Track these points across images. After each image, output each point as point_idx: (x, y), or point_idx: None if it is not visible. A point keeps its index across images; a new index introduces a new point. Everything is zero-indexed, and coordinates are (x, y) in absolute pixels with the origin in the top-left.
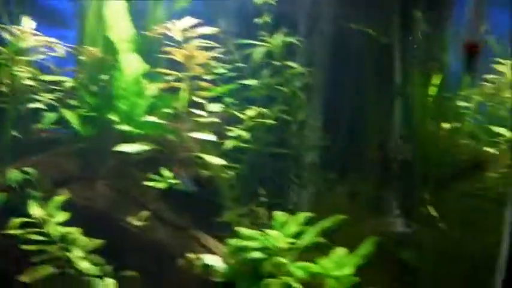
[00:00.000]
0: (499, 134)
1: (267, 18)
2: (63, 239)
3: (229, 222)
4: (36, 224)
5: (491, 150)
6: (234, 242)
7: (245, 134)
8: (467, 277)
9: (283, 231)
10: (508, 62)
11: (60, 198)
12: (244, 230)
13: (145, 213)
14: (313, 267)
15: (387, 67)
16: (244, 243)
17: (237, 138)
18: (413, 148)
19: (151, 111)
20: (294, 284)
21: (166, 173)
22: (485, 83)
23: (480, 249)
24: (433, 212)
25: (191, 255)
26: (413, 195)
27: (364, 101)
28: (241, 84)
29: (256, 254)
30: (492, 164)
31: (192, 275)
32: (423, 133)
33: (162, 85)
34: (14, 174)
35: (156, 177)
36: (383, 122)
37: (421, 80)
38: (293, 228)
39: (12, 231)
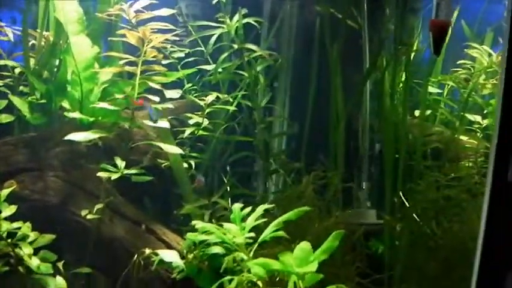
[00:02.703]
0: (474, 122)
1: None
2: (12, 234)
3: (189, 215)
4: None
5: (465, 138)
6: (192, 236)
7: (205, 122)
8: (442, 269)
9: (243, 225)
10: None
11: (6, 191)
12: (201, 224)
13: (99, 207)
14: (273, 264)
15: (355, 51)
16: (203, 237)
17: (197, 125)
18: (383, 136)
19: (104, 97)
20: (255, 281)
21: (120, 162)
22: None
23: (455, 239)
24: (406, 203)
25: (148, 251)
26: (385, 185)
27: (332, 87)
28: (200, 69)
29: (215, 249)
30: (467, 153)
31: (150, 271)
32: (393, 121)
33: (115, 69)
34: None
35: (110, 167)
36: (352, 108)
37: (390, 65)
38: (253, 221)
39: None
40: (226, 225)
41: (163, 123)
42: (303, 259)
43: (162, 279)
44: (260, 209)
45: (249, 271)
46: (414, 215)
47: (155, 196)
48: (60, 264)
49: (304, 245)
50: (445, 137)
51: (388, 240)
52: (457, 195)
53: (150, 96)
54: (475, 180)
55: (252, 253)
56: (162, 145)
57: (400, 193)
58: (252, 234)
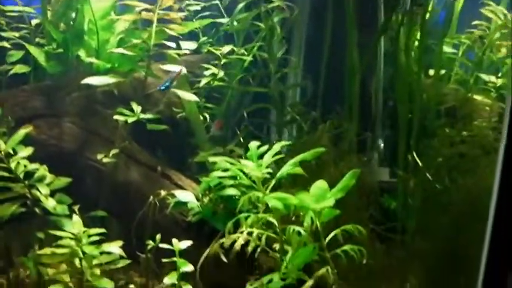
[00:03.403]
0: (488, 82)
1: None
2: (29, 176)
3: (204, 163)
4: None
5: (479, 97)
6: (207, 180)
7: (220, 73)
8: (455, 224)
9: (259, 162)
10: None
11: (23, 131)
12: (217, 159)
13: (115, 151)
14: (290, 199)
15: (371, 7)
16: (219, 175)
17: (213, 76)
18: (397, 93)
19: (120, 46)
20: (270, 219)
21: (136, 107)
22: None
23: (468, 196)
24: (418, 161)
25: (164, 192)
26: (399, 143)
27: (347, 41)
28: (215, 22)
29: (231, 191)
30: (481, 113)
31: (165, 215)
32: (407, 78)
33: (131, 17)
34: None
35: (126, 111)
36: (366, 63)
37: (405, 23)
38: (270, 158)
39: None
40: (243, 161)
41: (180, 68)
42: (319, 196)
43: (177, 222)
44: (277, 146)
45: (265, 211)
46: (427, 171)
47: (171, 146)
48: (76, 208)
49: (320, 183)
50: (459, 95)
51: (401, 197)
52: (470, 152)
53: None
54: (488, 136)
55: (268, 190)
56: (178, 92)
57: (413, 151)
58: (269, 170)
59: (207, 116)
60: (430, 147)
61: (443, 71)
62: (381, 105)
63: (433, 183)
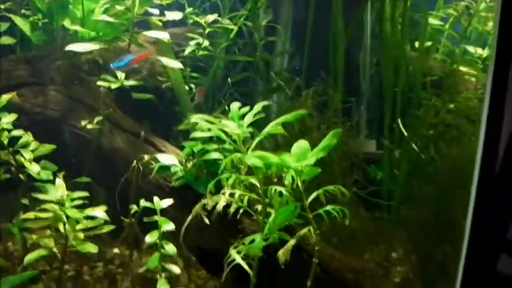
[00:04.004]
0: (474, 54)
1: None
2: (13, 143)
3: (188, 131)
4: None
5: (466, 69)
6: (191, 143)
7: (206, 42)
8: (441, 193)
9: (240, 122)
10: None
11: (7, 96)
12: (199, 116)
13: (99, 118)
14: (271, 157)
15: None
16: (202, 146)
17: (198, 45)
18: (383, 65)
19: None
20: (252, 180)
21: (120, 74)
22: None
23: (454, 164)
24: (403, 131)
25: (147, 157)
26: (384, 114)
27: (332, 9)
28: None
29: (214, 155)
30: (467, 85)
31: (149, 181)
32: (393, 50)
33: None
34: None
35: (110, 77)
36: (351, 32)
37: None
38: (251, 117)
39: None
40: (224, 121)
41: (164, 34)
42: (300, 155)
43: (161, 187)
44: (258, 106)
45: (247, 174)
46: (413, 141)
47: (156, 115)
48: (60, 175)
49: (302, 143)
50: (445, 67)
51: (387, 167)
52: (455, 121)
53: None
54: (475, 108)
55: (250, 150)
56: (162, 59)
57: (399, 122)
58: (250, 130)
59: (193, 86)
60: (416, 116)
61: (429, 43)
62: (368, 77)
63: (418, 153)
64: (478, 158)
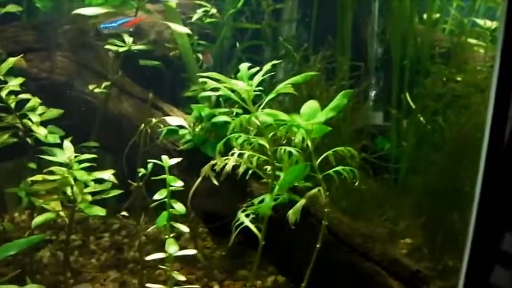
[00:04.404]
0: (483, 26)
1: None
2: (20, 107)
3: (196, 97)
4: None
5: (474, 41)
6: (199, 106)
7: (213, 10)
8: (448, 162)
9: (250, 82)
10: None
11: (13, 59)
12: (207, 75)
13: (106, 84)
14: (280, 115)
15: None
16: (210, 111)
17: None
18: (391, 37)
19: None
20: (261, 141)
21: (127, 38)
22: None
23: (462, 133)
24: (410, 102)
25: (154, 120)
26: (391, 87)
27: None
28: None
29: (222, 118)
30: (475, 57)
31: (156, 145)
32: (400, 22)
33: None
34: None
35: (117, 42)
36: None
37: None
38: (260, 77)
39: None
40: (233, 81)
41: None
42: (310, 115)
43: (169, 151)
44: (267, 66)
45: (256, 135)
46: (420, 112)
47: (163, 82)
48: (68, 140)
49: (312, 103)
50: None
51: (394, 137)
52: (463, 91)
53: None
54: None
55: (260, 110)
56: (170, 24)
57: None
58: (260, 88)
59: (200, 56)
60: (424, 85)
61: (437, 15)
62: (376, 49)
63: (425, 123)
64: (488, 126)
